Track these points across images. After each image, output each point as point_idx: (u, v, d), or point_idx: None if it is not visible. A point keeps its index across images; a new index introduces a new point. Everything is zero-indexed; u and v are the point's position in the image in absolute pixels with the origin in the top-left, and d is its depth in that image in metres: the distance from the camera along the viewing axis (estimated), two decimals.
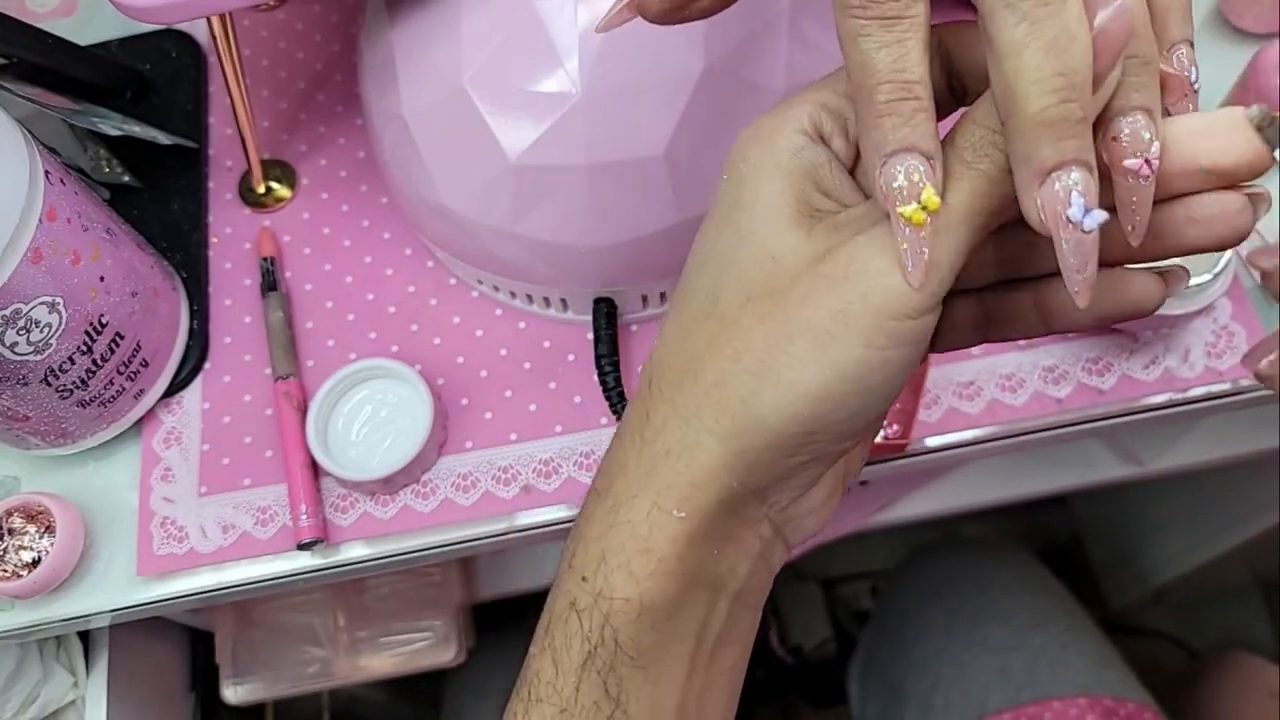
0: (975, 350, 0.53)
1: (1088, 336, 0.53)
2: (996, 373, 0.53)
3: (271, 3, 0.66)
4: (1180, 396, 0.52)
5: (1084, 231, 0.24)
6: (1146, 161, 0.24)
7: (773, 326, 0.27)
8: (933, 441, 0.53)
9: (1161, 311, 0.49)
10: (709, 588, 0.30)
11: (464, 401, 0.55)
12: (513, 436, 0.54)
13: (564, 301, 0.54)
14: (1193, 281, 0.47)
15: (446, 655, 0.77)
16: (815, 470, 0.30)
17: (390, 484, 0.52)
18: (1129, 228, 0.25)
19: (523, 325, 0.56)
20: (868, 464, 0.53)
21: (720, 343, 0.28)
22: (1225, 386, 0.52)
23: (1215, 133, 0.25)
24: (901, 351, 0.27)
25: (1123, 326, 0.52)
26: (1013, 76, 0.23)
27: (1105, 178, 0.25)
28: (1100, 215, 0.24)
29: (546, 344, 0.56)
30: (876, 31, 0.25)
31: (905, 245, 0.26)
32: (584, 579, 0.30)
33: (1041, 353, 0.53)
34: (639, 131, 0.46)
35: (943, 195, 0.26)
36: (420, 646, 0.77)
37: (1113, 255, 0.27)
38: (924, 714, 0.76)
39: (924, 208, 0.25)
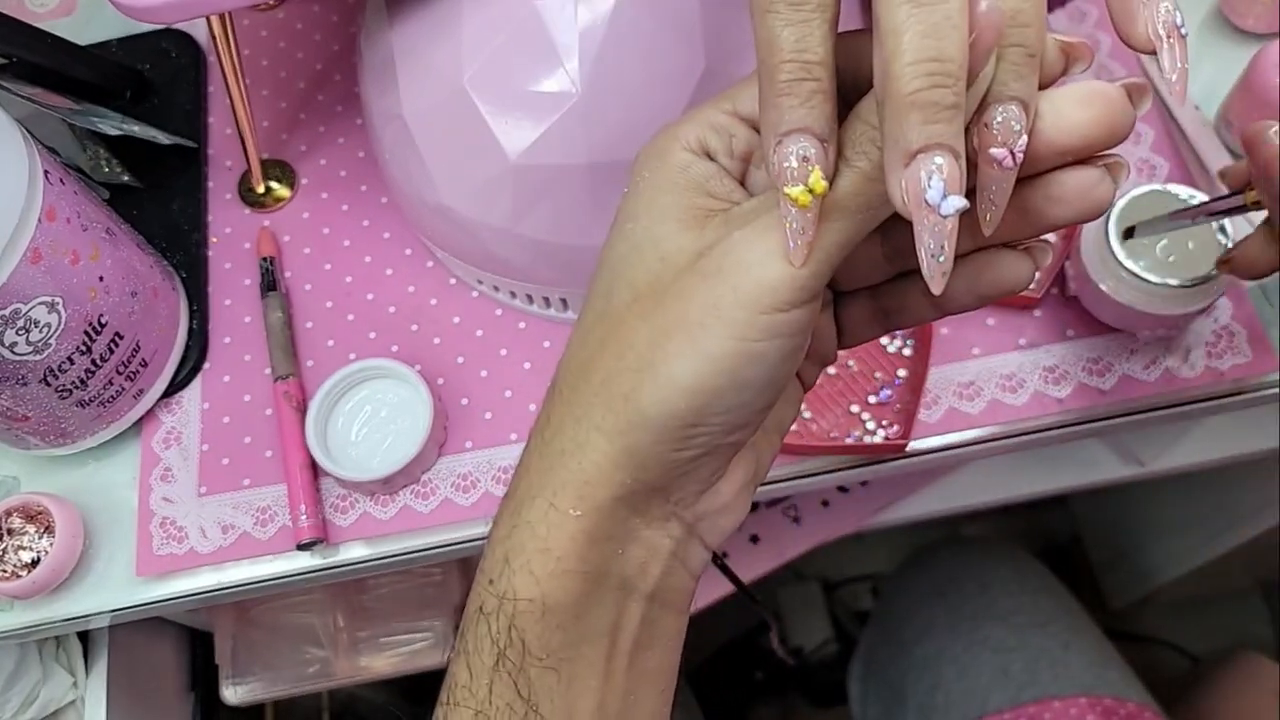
0: (976, 350, 0.53)
1: (1087, 337, 0.53)
2: (997, 373, 0.53)
3: (271, 2, 0.66)
4: (1180, 397, 0.52)
5: (941, 215, 0.24)
6: (1011, 153, 0.24)
7: (653, 323, 0.28)
8: (933, 442, 0.53)
9: (1163, 311, 0.49)
10: (618, 588, 0.30)
11: (464, 401, 0.55)
12: (513, 436, 0.54)
13: (564, 301, 0.54)
14: (1191, 282, 0.47)
15: (446, 655, 0.77)
16: (711, 464, 0.30)
17: (390, 484, 0.52)
18: (985, 216, 0.25)
19: (523, 325, 0.56)
20: (869, 464, 0.53)
21: (609, 342, 0.29)
22: (1225, 387, 0.52)
23: (1067, 112, 0.25)
24: (775, 344, 0.27)
25: (1123, 326, 0.52)
26: (890, 57, 0.23)
27: (972, 164, 0.25)
28: (959, 201, 0.24)
29: (546, 344, 0.56)
30: (785, 9, 0.25)
31: (789, 226, 0.26)
32: (490, 581, 0.30)
33: (1042, 353, 0.53)
34: (639, 131, 0.45)
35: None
36: (420, 646, 0.77)
37: (979, 239, 0.27)
38: (925, 714, 0.76)
39: (811, 190, 0.25)
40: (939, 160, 0.23)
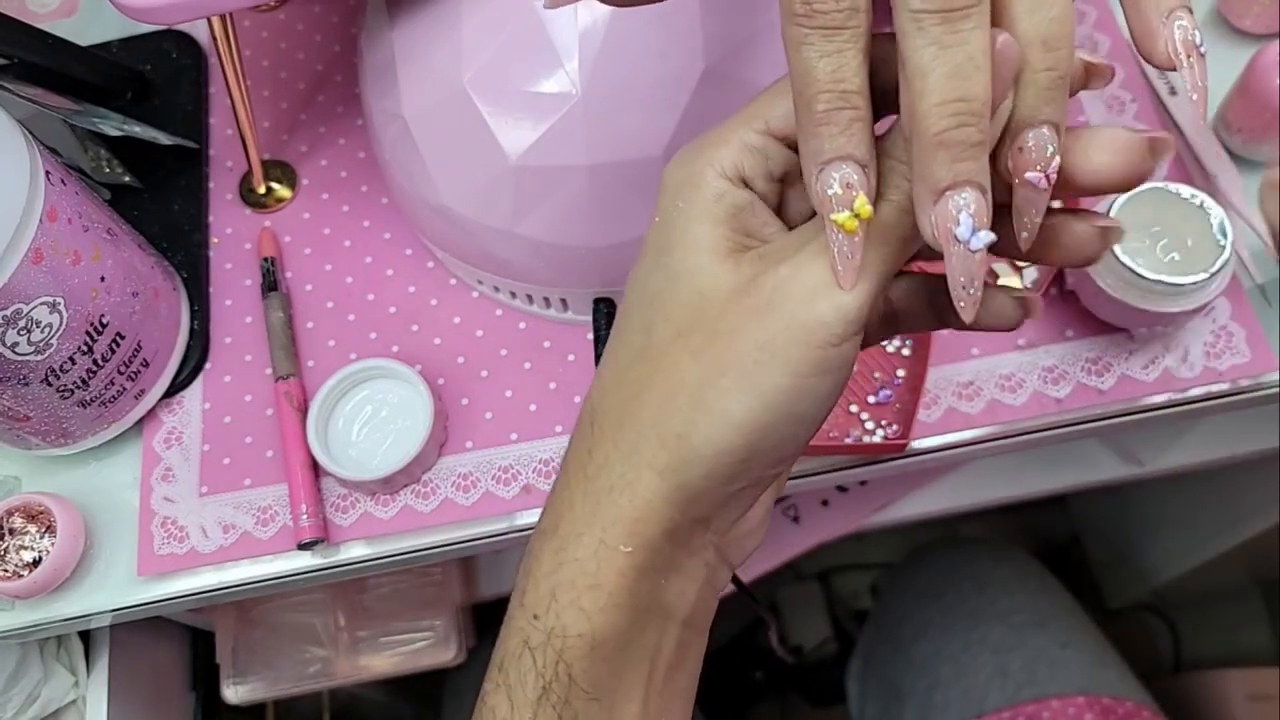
0: (975, 350, 0.54)
1: (1086, 337, 0.53)
2: (996, 373, 0.53)
3: (272, 3, 0.66)
4: (1179, 396, 0.52)
5: (970, 250, 0.25)
6: (1045, 175, 0.25)
7: (703, 361, 0.28)
8: (932, 441, 0.53)
9: (1159, 309, 0.49)
10: (660, 616, 0.31)
11: (464, 401, 0.55)
12: (513, 436, 0.54)
13: (564, 302, 0.54)
14: (1188, 280, 0.48)
15: (446, 655, 0.77)
16: (753, 494, 0.30)
17: (391, 484, 0.52)
18: (1021, 233, 0.27)
19: (523, 325, 0.56)
20: (868, 464, 0.53)
21: (655, 380, 0.29)
22: (1224, 386, 0.52)
23: (1094, 156, 0.27)
24: (826, 379, 0.28)
25: (1120, 324, 0.52)
26: (917, 97, 0.24)
27: (1009, 186, 0.26)
28: (987, 236, 0.25)
29: (547, 344, 0.56)
30: (818, 40, 0.25)
31: (836, 251, 0.27)
32: (535, 617, 0.30)
33: (1041, 353, 0.53)
34: (639, 132, 0.46)
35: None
36: (420, 646, 0.77)
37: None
38: (923, 713, 0.76)
39: (856, 215, 0.26)
40: (967, 196, 0.25)
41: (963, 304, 0.26)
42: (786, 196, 0.31)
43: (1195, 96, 0.26)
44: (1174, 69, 0.26)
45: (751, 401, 0.27)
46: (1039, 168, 0.25)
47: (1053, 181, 0.25)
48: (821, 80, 0.25)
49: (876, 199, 0.27)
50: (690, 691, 0.33)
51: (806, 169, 0.27)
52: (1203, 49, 0.26)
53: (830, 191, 0.26)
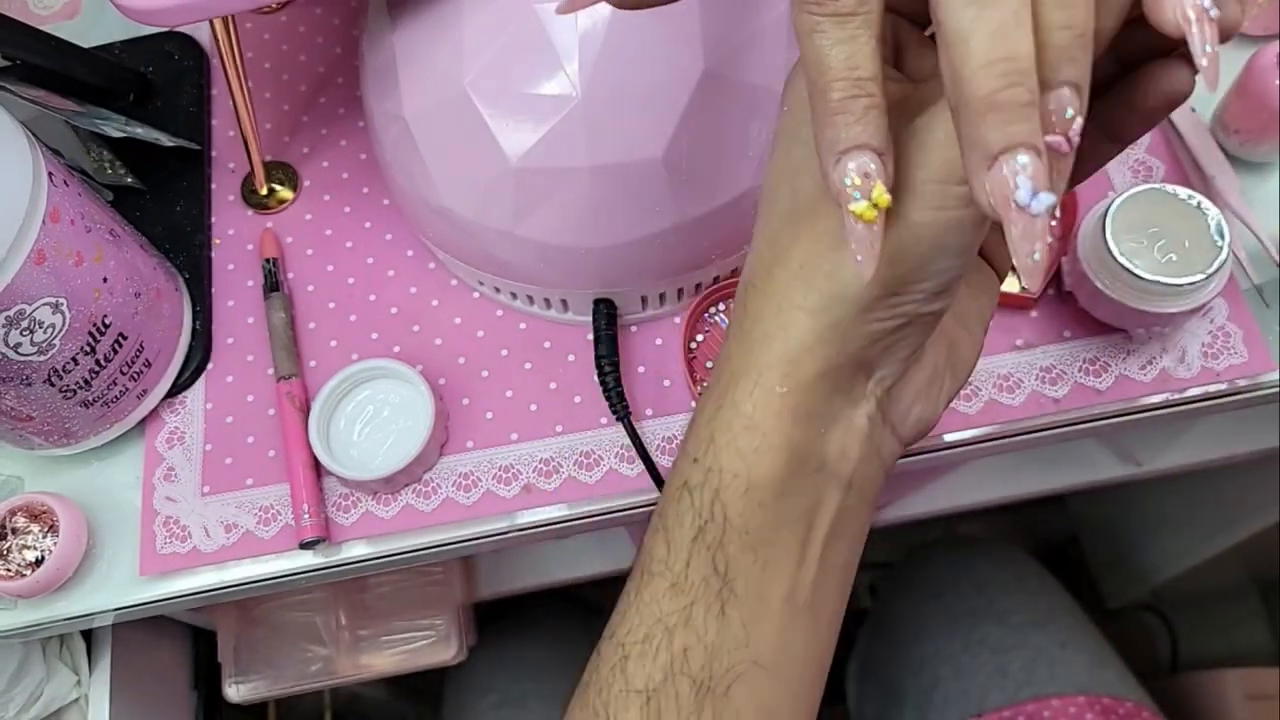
0: None
1: (1084, 337, 0.53)
2: (994, 373, 0.53)
3: (273, 5, 0.66)
4: (1177, 397, 0.52)
5: (1033, 215, 0.24)
6: (1067, 138, 0.24)
7: None
8: (931, 441, 0.53)
9: (1156, 309, 0.49)
10: (818, 471, 0.31)
11: (465, 401, 0.55)
12: (513, 436, 0.54)
13: (564, 302, 0.54)
14: (1186, 281, 0.48)
15: (447, 653, 0.77)
16: (912, 337, 0.31)
17: (392, 483, 0.52)
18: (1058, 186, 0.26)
19: (523, 326, 0.57)
20: None
21: (803, 232, 0.30)
22: (1222, 387, 0.52)
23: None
24: (969, 211, 0.27)
25: (1118, 324, 0.52)
26: (960, 62, 0.24)
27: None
28: (1049, 198, 0.24)
29: (547, 344, 0.56)
30: (830, 28, 0.25)
31: (855, 240, 0.27)
32: (695, 460, 0.31)
33: (1039, 353, 0.54)
34: (639, 134, 0.46)
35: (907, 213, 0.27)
36: (421, 645, 0.77)
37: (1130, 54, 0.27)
38: (922, 713, 0.76)
39: (875, 204, 0.26)
40: (1023, 159, 0.23)
41: (1031, 275, 0.25)
42: (903, 53, 0.31)
43: (1205, 63, 0.25)
44: (1183, 39, 0.25)
45: (899, 234, 0.27)
46: (1059, 130, 0.24)
47: (1074, 145, 0.24)
48: (835, 68, 0.25)
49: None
50: (849, 570, 0.34)
51: (823, 158, 0.27)
52: (1212, 12, 0.24)
53: (847, 181, 0.26)
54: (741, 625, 0.31)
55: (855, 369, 0.31)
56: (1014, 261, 0.25)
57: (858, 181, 0.26)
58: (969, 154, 0.24)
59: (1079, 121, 0.24)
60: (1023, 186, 0.23)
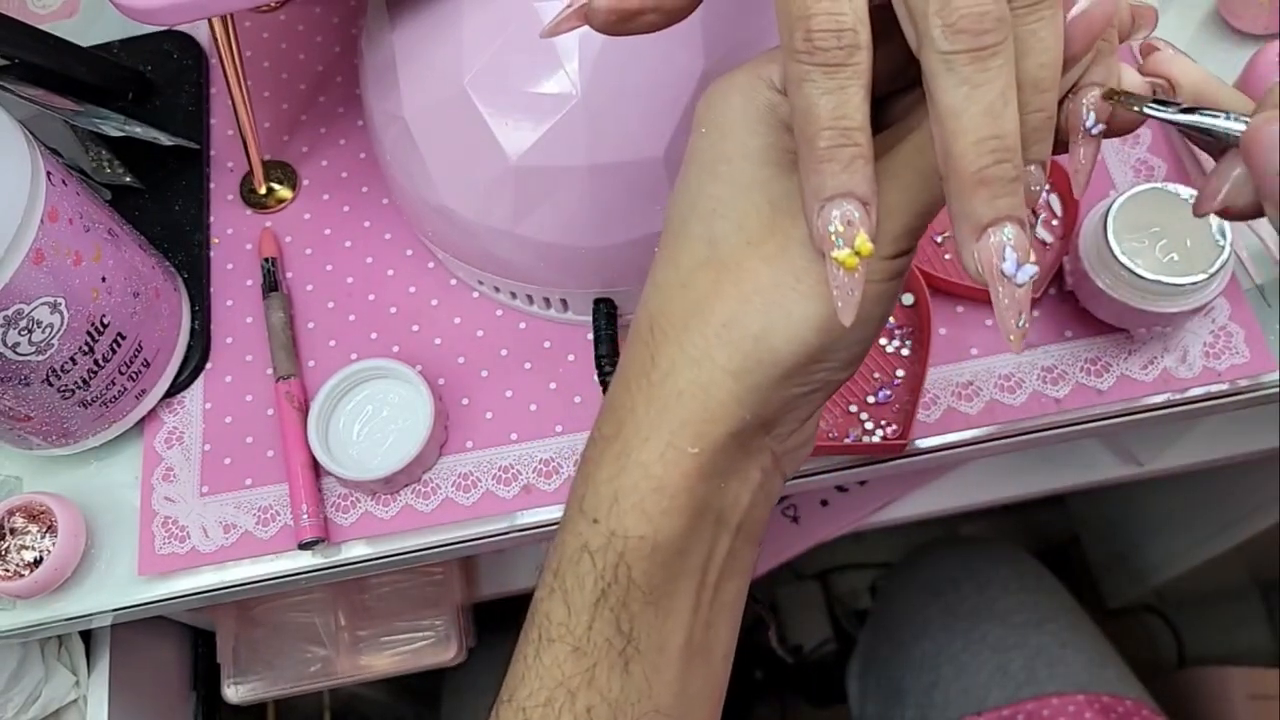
0: (974, 350, 0.54)
1: (1085, 337, 0.53)
2: (995, 373, 0.53)
3: (272, 4, 0.66)
4: (1178, 397, 0.52)
5: (1017, 284, 0.26)
6: (1034, 210, 0.26)
7: (778, 266, 0.29)
8: (931, 441, 0.53)
9: (1157, 309, 0.49)
10: (715, 522, 0.31)
11: (465, 401, 0.55)
12: (513, 436, 0.54)
13: (564, 302, 0.54)
14: (1187, 281, 0.48)
15: (447, 654, 0.77)
16: (818, 400, 0.31)
17: (391, 483, 0.52)
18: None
19: (523, 326, 0.57)
20: (867, 464, 0.53)
21: (725, 286, 0.30)
22: (1223, 387, 0.52)
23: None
24: (893, 284, 0.29)
25: (1119, 324, 0.52)
26: (952, 137, 0.25)
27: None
28: (1031, 269, 0.25)
29: (547, 344, 0.56)
30: (820, 78, 0.26)
31: (837, 287, 0.27)
32: (595, 520, 0.31)
33: (1040, 353, 0.53)
34: (639, 133, 0.46)
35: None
36: (421, 645, 0.77)
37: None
38: (923, 712, 0.76)
39: (857, 252, 0.27)
40: (1010, 232, 0.25)
41: (1012, 336, 0.26)
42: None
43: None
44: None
45: (829, 304, 0.28)
46: (1028, 202, 0.26)
47: (1038, 215, 0.26)
48: (823, 117, 0.26)
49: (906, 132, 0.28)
50: (738, 606, 0.34)
51: (808, 205, 0.27)
52: (1094, 130, 0.28)
53: (831, 229, 0.27)
54: (644, 678, 0.31)
55: (760, 427, 0.31)
56: (999, 325, 0.26)
57: (841, 229, 0.27)
58: (959, 225, 0.26)
59: (1045, 194, 0.26)
60: (1009, 258, 0.25)
